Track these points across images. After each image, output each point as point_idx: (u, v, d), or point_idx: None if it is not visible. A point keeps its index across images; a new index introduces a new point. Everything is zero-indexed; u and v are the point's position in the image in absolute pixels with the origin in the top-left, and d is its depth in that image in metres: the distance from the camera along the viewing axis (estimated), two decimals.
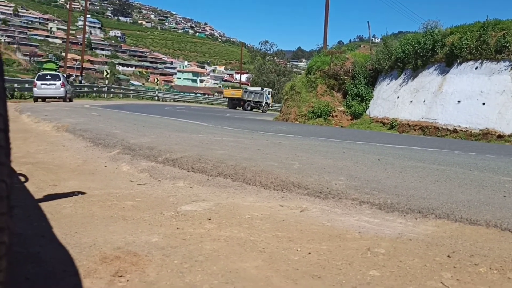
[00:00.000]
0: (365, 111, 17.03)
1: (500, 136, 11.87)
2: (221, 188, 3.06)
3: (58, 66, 35.29)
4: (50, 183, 3.25)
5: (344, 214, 2.37)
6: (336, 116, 17.23)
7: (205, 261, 1.68)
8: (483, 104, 12.68)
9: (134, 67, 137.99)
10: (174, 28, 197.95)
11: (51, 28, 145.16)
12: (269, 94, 39.65)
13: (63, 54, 67.49)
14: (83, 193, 2.93)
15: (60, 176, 3.53)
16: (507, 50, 12.62)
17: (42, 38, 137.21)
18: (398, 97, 15.73)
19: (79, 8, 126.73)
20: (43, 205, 2.52)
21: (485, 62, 13.10)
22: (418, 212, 2.26)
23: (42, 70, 29.32)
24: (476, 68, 13.30)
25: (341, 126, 16.47)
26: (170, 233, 2.02)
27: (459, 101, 13.36)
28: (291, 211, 2.47)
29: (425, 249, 1.83)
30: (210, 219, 2.26)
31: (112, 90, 45.92)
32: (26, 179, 3.25)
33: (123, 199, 2.75)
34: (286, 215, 2.37)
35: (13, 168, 3.54)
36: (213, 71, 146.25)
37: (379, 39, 23.78)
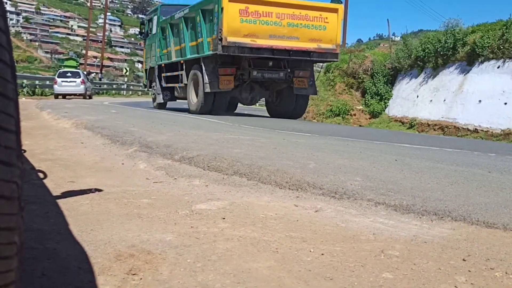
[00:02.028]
0: (384, 110, 16.88)
1: None
2: (236, 187, 3.07)
3: (78, 64, 35.80)
4: (68, 180, 3.30)
5: (359, 215, 2.36)
6: (355, 115, 17.12)
7: (218, 260, 1.69)
8: (505, 104, 12.45)
9: None
10: None
11: (72, 26, 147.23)
12: None
13: (84, 51, 68.42)
14: (100, 190, 2.97)
15: (78, 173, 3.59)
16: None
17: (63, 35, 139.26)
18: (417, 96, 15.55)
19: (99, 6, 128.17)
20: (60, 202, 2.56)
21: (507, 61, 12.85)
22: (434, 214, 2.24)
23: (62, 68, 29.77)
24: (498, 67, 13.06)
25: (360, 125, 16.36)
26: (184, 231, 2.04)
27: (480, 101, 13.14)
28: (306, 211, 2.46)
29: (440, 252, 1.81)
30: (224, 218, 2.27)
31: (131, 87, 46.43)
32: (45, 176, 3.31)
33: (139, 197, 2.78)
34: (300, 215, 2.37)
35: (32, 165, 3.61)
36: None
37: (399, 37, 23.52)
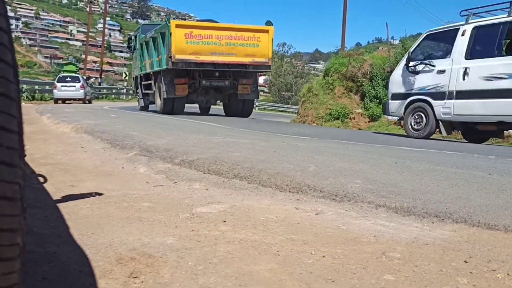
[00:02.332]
0: (383, 113, 16.89)
1: None
2: (237, 190, 3.07)
3: (78, 68, 35.96)
4: (68, 184, 3.30)
5: (359, 218, 2.35)
6: (354, 118, 17.12)
7: (219, 263, 1.68)
8: None
9: None
10: None
11: (71, 30, 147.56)
12: None
13: (83, 56, 68.49)
14: (100, 194, 2.96)
15: (78, 177, 3.59)
16: None
17: (63, 40, 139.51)
18: None
19: (98, 11, 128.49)
20: (61, 206, 2.56)
21: None
22: (435, 216, 2.24)
23: (62, 72, 29.87)
24: None
25: (359, 129, 16.36)
26: (185, 235, 2.03)
27: None
28: (306, 214, 2.46)
29: (441, 254, 1.80)
30: (225, 221, 2.27)
31: (131, 92, 46.37)
32: (45, 180, 3.31)
33: (140, 201, 2.78)
34: (301, 218, 2.37)
35: (32, 169, 3.61)
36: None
37: (398, 40, 23.55)
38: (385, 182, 2.92)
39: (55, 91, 24.93)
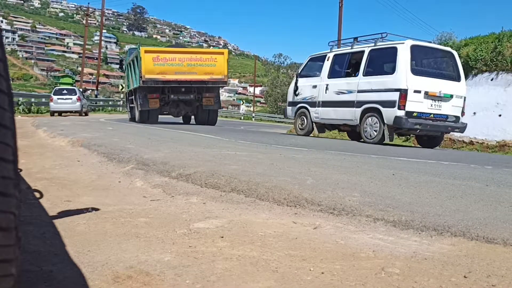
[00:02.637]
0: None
1: None
2: (234, 204, 3.06)
3: (74, 81, 36.05)
4: (65, 199, 3.28)
5: (358, 232, 2.34)
6: None
7: (217, 281, 1.67)
8: (500, 115, 12.55)
9: None
10: (189, 42, 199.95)
11: (67, 43, 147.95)
12: None
13: (80, 68, 68.62)
14: (96, 209, 2.94)
15: (75, 192, 3.57)
16: None
17: (59, 53, 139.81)
18: None
19: (95, 24, 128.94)
20: (57, 222, 2.54)
21: (501, 74, 12.98)
22: (433, 229, 2.23)
23: (58, 85, 29.89)
24: (491, 80, 13.18)
25: None
26: (182, 251, 2.02)
27: (474, 113, 13.22)
28: (304, 228, 2.45)
29: (441, 269, 1.79)
30: (222, 237, 2.25)
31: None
32: (41, 195, 3.28)
33: (137, 216, 2.76)
34: (299, 232, 2.36)
35: (28, 185, 3.58)
36: (227, 84, 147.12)
37: None
38: (383, 195, 2.92)
39: (51, 103, 24.91)
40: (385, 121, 9.66)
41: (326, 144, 9.06)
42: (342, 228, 2.42)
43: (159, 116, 17.35)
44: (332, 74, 11.49)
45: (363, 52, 10.70)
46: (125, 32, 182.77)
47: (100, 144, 6.11)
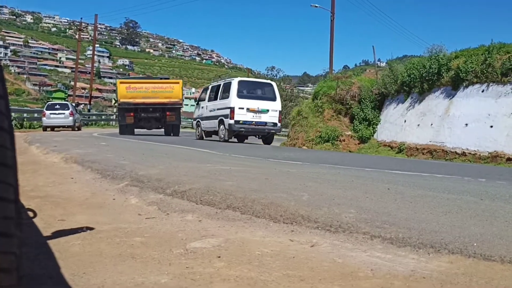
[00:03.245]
0: (372, 135, 17.03)
1: (509, 159, 11.76)
2: (230, 221, 3.04)
3: (67, 95, 36.09)
4: (59, 218, 3.25)
5: (355, 249, 2.34)
6: (344, 140, 17.22)
7: None
8: (491, 126, 12.62)
9: None
10: (181, 55, 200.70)
11: (60, 58, 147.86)
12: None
13: (72, 83, 68.49)
14: (91, 228, 2.92)
15: (69, 210, 3.53)
16: None
17: (52, 68, 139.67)
18: (405, 121, 15.72)
19: (87, 38, 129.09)
20: (51, 243, 2.51)
21: (491, 85, 13.09)
22: (430, 247, 2.22)
23: (51, 100, 29.88)
24: (482, 91, 13.29)
25: (349, 151, 16.43)
26: (179, 272, 2.00)
27: (466, 124, 13.30)
28: (301, 246, 2.44)
29: None
30: (219, 257, 2.23)
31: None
32: (35, 215, 3.24)
33: (132, 235, 2.73)
34: (296, 251, 2.34)
35: (22, 203, 3.55)
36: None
37: (385, 63, 23.94)
38: (379, 211, 2.92)
39: (44, 118, 24.79)
40: (226, 127, 15.05)
41: (320, 157, 9.08)
42: (339, 245, 2.41)
43: (138, 129, 22.72)
44: (209, 99, 17.21)
45: (220, 84, 16.63)
46: (118, 46, 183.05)
47: (93, 161, 6.08)
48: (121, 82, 23.03)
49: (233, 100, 14.75)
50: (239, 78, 15.93)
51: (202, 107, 17.79)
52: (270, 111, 14.96)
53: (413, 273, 1.97)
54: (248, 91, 15.36)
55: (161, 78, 26.29)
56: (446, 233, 2.38)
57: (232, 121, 14.63)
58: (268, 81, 18.15)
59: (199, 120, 18.07)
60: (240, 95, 14.86)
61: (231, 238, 2.60)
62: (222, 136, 15.39)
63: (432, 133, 14.37)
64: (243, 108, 14.64)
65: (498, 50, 13.44)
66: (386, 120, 16.85)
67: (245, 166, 5.70)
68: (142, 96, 21.65)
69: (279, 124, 15.56)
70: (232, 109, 14.58)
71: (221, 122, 15.46)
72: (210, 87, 17.76)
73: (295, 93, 69.48)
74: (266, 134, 15.71)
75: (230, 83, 15.41)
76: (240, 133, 15.53)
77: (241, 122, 14.69)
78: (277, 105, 15.40)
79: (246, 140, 16.96)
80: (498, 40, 14.24)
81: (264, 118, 14.88)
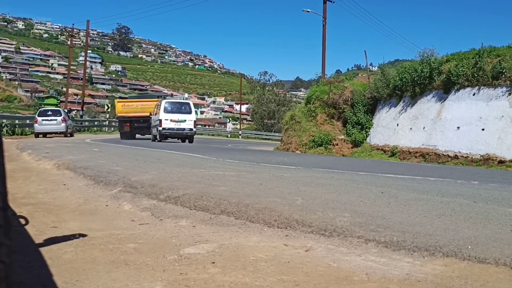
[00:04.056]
0: (365, 139, 17.07)
1: (501, 162, 11.83)
2: (224, 227, 3.03)
3: (59, 101, 36.08)
4: (51, 225, 3.22)
5: (350, 254, 2.33)
6: (337, 144, 17.25)
7: None
8: (483, 129, 12.70)
9: None
10: (174, 61, 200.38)
11: (52, 64, 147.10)
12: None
13: (64, 89, 68.14)
14: (84, 235, 2.89)
15: (61, 217, 3.50)
16: (503, 76, 12.72)
17: (44, 74, 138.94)
18: (397, 125, 15.78)
19: (80, 44, 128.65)
20: (43, 250, 2.49)
21: (482, 88, 13.18)
22: (425, 250, 2.22)
23: (43, 106, 29.80)
24: (473, 95, 13.37)
25: (342, 155, 16.46)
26: (173, 279, 1.98)
27: (458, 127, 13.37)
28: (296, 251, 2.43)
29: None
30: (214, 263, 2.22)
31: (113, 123, 46.16)
32: (27, 222, 3.21)
33: (125, 241, 2.71)
34: (291, 255, 2.33)
35: (13, 211, 3.51)
36: (213, 102, 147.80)
37: (377, 67, 24.08)
38: (373, 215, 2.92)
39: (36, 125, 24.60)
40: (158, 132, 20.91)
41: (314, 161, 9.08)
42: (334, 250, 2.40)
43: (138, 135, 27.88)
44: (154, 114, 22.63)
45: (157, 104, 22.78)
46: (110, 52, 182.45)
47: (86, 167, 6.04)
48: (118, 101, 30.79)
49: (161, 114, 21.12)
50: (166, 100, 24.11)
51: (152, 119, 23.82)
52: (187, 121, 21.23)
53: (408, 276, 1.96)
54: (172, 108, 21.50)
55: (158, 96, 35.51)
56: (440, 236, 2.38)
57: (161, 128, 20.94)
58: (186, 100, 27.94)
59: (151, 128, 24.39)
60: (166, 111, 21.20)
61: (225, 243, 2.59)
62: (158, 138, 21.36)
63: (424, 137, 14.42)
64: (168, 120, 21.01)
65: (489, 54, 13.55)
66: (378, 124, 16.90)
67: (238, 171, 5.69)
68: (134, 111, 27.35)
69: (194, 129, 21.95)
70: (160, 121, 20.90)
71: (156, 129, 21.72)
72: (155, 106, 23.81)
73: (288, 98, 69.69)
74: (184, 136, 21.63)
75: (160, 103, 22.22)
76: (167, 136, 21.55)
77: (166, 128, 20.98)
78: (192, 116, 21.75)
79: (169, 139, 22.23)
80: (489, 43, 14.36)
81: (183, 125, 21.18)
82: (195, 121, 22.32)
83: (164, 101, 22.93)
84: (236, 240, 2.68)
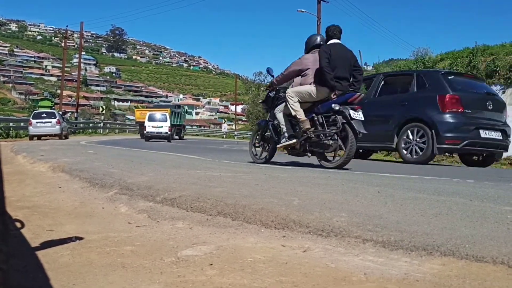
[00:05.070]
0: None
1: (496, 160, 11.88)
2: (221, 228, 3.02)
3: (53, 103, 36.23)
4: (47, 229, 3.20)
5: (347, 254, 2.33)
6: None
7: None
8: None
9: (129, 102, 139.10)
10: (169, 62, 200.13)
11: (46, 66, 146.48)
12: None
13: (59, 91, 67.93)
14: (80, 238, 2.88)
15: (57, 220, 3.49)
16: (497, 74, 12.80)
17: (38, 76, 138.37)
18: None
19: (74, 46, 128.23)
20: (39, 254, 2.47)
21: None
22: (422, 249, 2.22)
23: (37, 108, 29.74)
24: None
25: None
26: (171, 281, 1.97)
27: None
28: (294, 251, 2.42)
29: None
30: (211, 264, 2.21)
31: (108, 125, 46.19)
32: (22, 225, 3.19)
33: (122, 244, 2.70)
34: (288, 256, 2.33)
35: (8, 214, 3.49)
36: (208, 103, 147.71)
37: (371, 66, 24.15)
38: (370, 214, 2.92)
39: (30, 127, 24.53)
40: (145, 134, 30.09)
41: (310, 161, 9.08)
42: (331, 250, 2.40)
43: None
44: (150, 119, 31.18)
45: (148, 113, 33.29)
46: (104, 53, 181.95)
47: (81, 169, 6.02)
48: (137, 110, 43.38)
49: (146, 122, 30.64)
50: (149, 112, 33.47)
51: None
52: (163, 126, 30.18)
53: (406, 276, 1.96)
54: (153, 118, 30.68)
55: (176, 106, 44.56)
56: (438, 235, 2.38)
57: (146, 131, 30.08)
58: (165, 111, 34.32)
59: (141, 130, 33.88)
60: (149, 119, 30.63)
61: (223, 245, 2.58)
62: (144, 138, 29.59)
63: None
64: (150, 126, 30.09)
65: (483, 52, 13.64)
66: None
67: (234, 172, 5.69)
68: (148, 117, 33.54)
69: (169, 132, 30.23)
70: (145, 126, 30.44)
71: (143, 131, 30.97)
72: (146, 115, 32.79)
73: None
74: (163, 137, 30.00)
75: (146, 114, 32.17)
76: (149, 137, 29.46)
77: (149, 131, 29.79)
78: (167, 123, 30.51)
79: (152, 140, 29.36)
80: (482, 42, 14.49)
81: (161, 130, 30.11)
82: (169, 127, 31.05)
83: (148, 113, 33.01)
84: (233, 241, 2.68)
